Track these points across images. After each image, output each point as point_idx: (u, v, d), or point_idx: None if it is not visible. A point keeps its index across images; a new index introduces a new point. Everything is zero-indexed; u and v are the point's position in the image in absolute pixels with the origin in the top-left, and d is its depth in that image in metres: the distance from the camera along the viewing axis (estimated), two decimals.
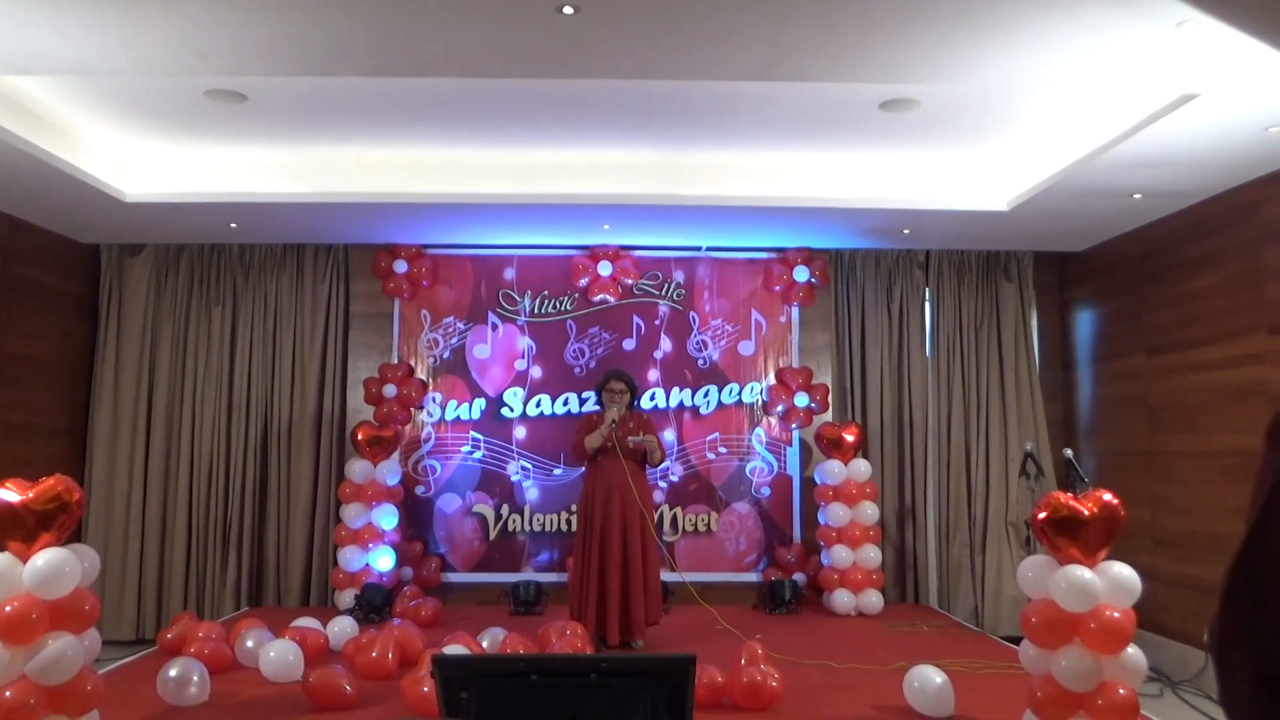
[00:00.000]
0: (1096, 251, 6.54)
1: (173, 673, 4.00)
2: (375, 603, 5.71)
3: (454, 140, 5.23)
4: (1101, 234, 6.26)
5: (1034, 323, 6.83)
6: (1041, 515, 3.41)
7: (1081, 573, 3.31)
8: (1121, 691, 3.30)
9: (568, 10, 3.15)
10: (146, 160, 5.44)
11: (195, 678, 4.03)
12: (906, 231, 6.22)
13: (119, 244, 6.54)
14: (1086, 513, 3.34)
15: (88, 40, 3.38)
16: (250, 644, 4.65)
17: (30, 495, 3.24)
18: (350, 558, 6.03)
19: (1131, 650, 3.35)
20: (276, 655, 4.41)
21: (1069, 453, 5.29)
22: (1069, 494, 3.47)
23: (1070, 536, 3.35)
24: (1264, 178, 4.83)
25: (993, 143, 5.19)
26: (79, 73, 3.74)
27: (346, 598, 5.97)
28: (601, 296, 6.66)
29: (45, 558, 3.20)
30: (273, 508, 6.51)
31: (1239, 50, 3.37)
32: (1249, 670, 0.73)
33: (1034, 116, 4.78)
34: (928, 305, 6.80)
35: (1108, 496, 3.38)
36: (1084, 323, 6.70)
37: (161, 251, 6.59)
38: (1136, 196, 5.30)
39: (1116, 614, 3.32)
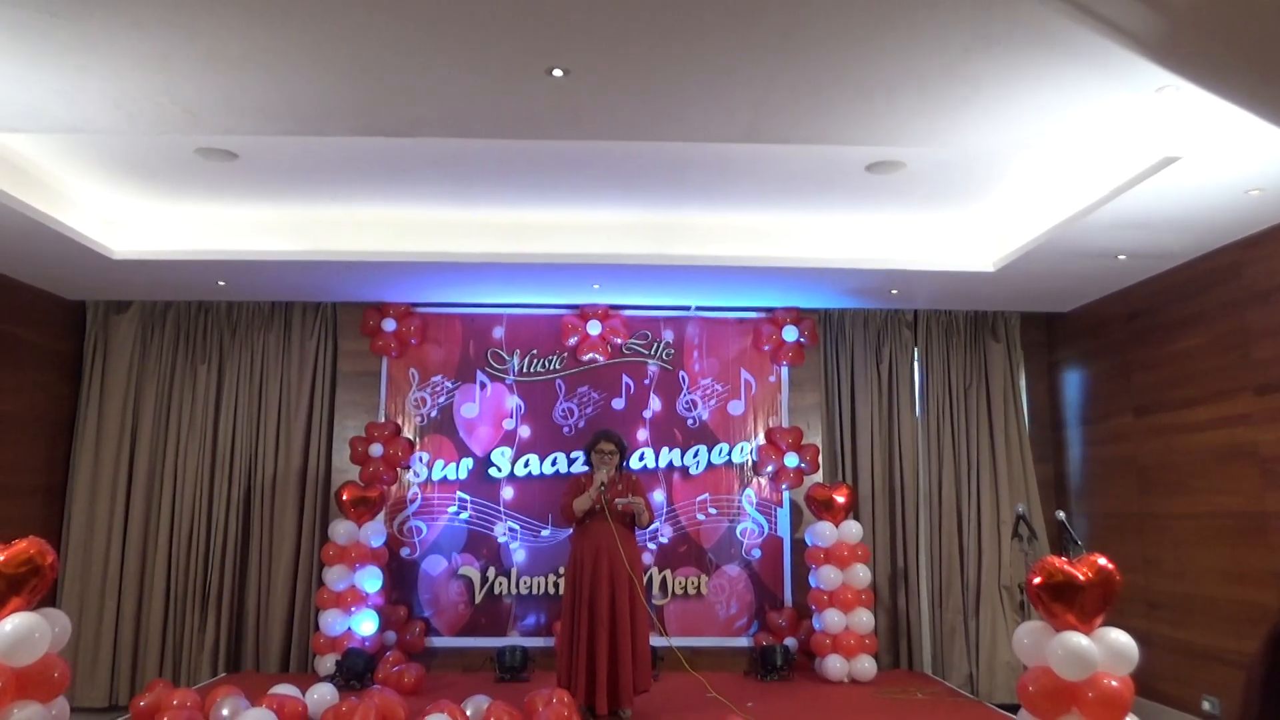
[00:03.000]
0: (1083, 312, 6.58)
1: None
2: (357, 669, 5.57)
3: (444, 199, 5.25)
4: (1087, 294, 6.30)
5: (1022, 383, 6.84)
6: (1036, 580, 3.36)
7: (1078, 640, 3.25)
8: None
9: (557, 73, 3.19)
10: (136, 217, 5.44)
11: None
12: (894, 291, 6.25)
13: (105, 300, 6.51)
14: (1082, 578, 3.29)
15: (79, 98, 3.39)
16: (225, 712, 4.50)
17: (1, 558, 3.16)
18: (332, 621, 5.89)
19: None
20: None
21: (1061, 515, 5.24)
22: (1063, 558, 3.42)
23: (1066, 602, 3.30)
24: (1247, 239, 4.88)
25: (978, 204, 5.25)
26: (70, 131, 3.74)
27: (327, 663, 5.81)
28: (591, 355, 6.64)
29: (13, 623, 3.11)
30: (254, 569, 6.37)
31: (1218, 114, 3.43)
32: None
33: (1019, 178, 4.84)
34: (916, 365, 6.81)
35: (1103, 561, 3.34)
36: (1072, 383, 6.71)
37: (148, 308, 6.56)
38: (1121, 258, 5.35)
39: (1115, 682, 3.25)
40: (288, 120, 3.63)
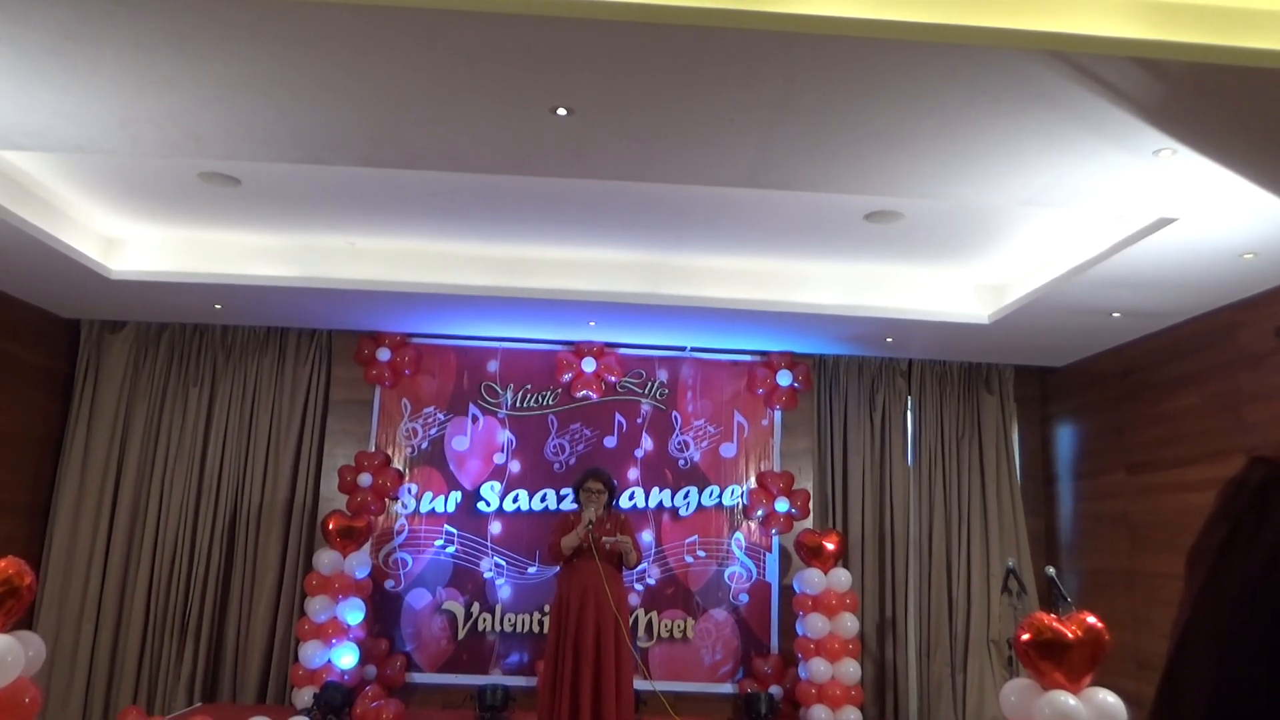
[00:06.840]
0: (1077, 367, 6.59)
1: None
2: (334, 703, 5.47)
3: (443, 232, 5.27)
4: (1081, 350, 6.32)
5: (1015, 436, 6.83)
6: (1025, 636, 3.33)
7: (1066, 699, 3.21)
8: None
9: (561, 111, 3.21)
10: (135, 238, 5.44)
11: None
12: (889, 340, 6.27)
13: (100, 320, 6.49)
14: (1070, 635, 3.26)
15: (86, 119, 3.41)
16: None
17: None
18: (312, 653, 5.79)
19: None
20: None
21: (1051, 571, 5.21)
22: (1052, 614, 3.40)
23: (1054, 660, 3.26)
24: (1241, 302, 4.91)
25: (975, 256, 5.28)
26: (75, 150, 3.75)
27: (305, 696, 5.71)
28: (584, 393, 6.62)
29: None
30: (235, 597, 6.28)
31: (1214, 179, 3.46)
32: None
33: (1015, 232, 4.88)
34: (909, 414, 6.80)
35: (1092, 619, 3.31)
36: (1065, 438, 6.71)
37: (143, 329, 6.53)
38: (1116, 315, 5.37)
39: None
40: (292, 149, 3.65)
